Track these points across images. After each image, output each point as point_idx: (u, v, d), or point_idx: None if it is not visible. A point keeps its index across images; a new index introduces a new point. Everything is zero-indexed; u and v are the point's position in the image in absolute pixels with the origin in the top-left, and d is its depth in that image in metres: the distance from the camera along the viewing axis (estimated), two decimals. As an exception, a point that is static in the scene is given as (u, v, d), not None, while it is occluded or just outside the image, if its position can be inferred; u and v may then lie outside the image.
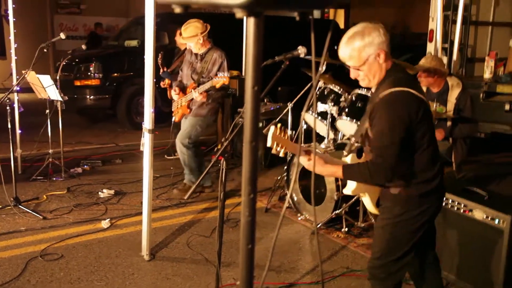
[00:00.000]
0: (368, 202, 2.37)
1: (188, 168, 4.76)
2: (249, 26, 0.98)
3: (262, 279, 1.64)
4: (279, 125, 2.17)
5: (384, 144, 2.09)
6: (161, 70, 5.72)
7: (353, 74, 2.20)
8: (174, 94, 4.73)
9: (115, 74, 8.14)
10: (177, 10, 1.01)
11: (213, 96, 4.54)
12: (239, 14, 0.92)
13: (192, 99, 4.56)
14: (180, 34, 4.65)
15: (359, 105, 4.14)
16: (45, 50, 4.52)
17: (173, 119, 4.91)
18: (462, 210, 3.02)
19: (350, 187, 2.31)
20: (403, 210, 2.23)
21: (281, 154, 2.24)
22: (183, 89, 4.69)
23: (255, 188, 1.10)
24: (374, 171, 2.11)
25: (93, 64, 7.98)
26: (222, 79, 4.23)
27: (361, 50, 2.09)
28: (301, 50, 2.52)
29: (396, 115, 2.06)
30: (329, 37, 1.16)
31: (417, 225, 2.23)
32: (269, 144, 2.19)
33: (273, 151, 2.23)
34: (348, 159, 2.35)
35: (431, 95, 4.16)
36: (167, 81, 5.73)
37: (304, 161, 2.26)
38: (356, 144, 2.47)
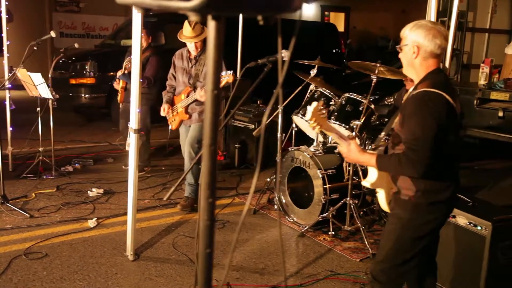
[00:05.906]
0: (382, 198, 2.41)
1: (194, 178, 4.45)
2: (210, 29, 0.98)
3: (223, 280, 1.63)
4: (321, 101, 2.19)
5: (416, 137, 2.09)
6: (121, 72, 5.39)
7: (400, 54, 2.33)
8: (163, 112, 4.57)
9: (111, 73, 8.12)
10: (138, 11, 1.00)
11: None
12: (192, 17, 0.91)
13: (189, 105, 4.41)
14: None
15: (349, 109, 4.13)
16: (35, 48, 4.52)
17: (169, 127, 4.77)
18: (446, 216, 3.01)
19: (369, 180, 2.37)
20: (410, 217, 2.23)
21: (316, 131, 2.35)
22: (171, 101, 4.55)
23: (214, 192, 1.10)
24: (404, 162, 2.10)
25: (89, 62, 7.97)
26: (225, 78, 3.97)
27: (408, 34, 2.22)
28: (284, 54, 2.52)
29: (428, 111, 2.08)
30: (294, 40, 1.15)
31: (422, 233, 2.23)
32: (308, 117, 2.28)
33: (310, 126, 2.32)
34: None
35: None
36: (121, 83, 5.47)
37: (342, 147, 2.38)
38: (384, 138, 2.55)
